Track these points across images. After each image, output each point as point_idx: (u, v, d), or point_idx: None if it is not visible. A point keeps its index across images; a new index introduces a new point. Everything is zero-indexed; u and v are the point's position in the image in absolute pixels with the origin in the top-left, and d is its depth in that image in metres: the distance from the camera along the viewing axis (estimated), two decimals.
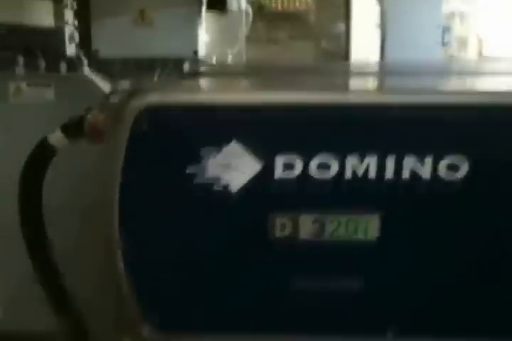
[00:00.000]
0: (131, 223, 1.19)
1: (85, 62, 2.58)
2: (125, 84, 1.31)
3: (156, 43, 2.63)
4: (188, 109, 1.16)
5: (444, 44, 2.87)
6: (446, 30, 2.88)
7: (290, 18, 3.93)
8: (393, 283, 1.21)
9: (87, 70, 2.56)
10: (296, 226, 1.20)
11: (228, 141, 1.17)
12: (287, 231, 1.20)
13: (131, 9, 2.56)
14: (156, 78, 2.66)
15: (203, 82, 1.36)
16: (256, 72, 1.60)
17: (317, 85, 1.35)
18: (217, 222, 1.20)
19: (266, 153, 1.18)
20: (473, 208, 1.18)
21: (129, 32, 2.62)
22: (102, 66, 2.64)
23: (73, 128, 1.30)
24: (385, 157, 1.17)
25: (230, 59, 2.80)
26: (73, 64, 2.56)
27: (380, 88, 1.22)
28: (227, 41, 2.89)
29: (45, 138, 1.31)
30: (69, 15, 2.51)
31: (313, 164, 1.18)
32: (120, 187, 1.17)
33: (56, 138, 1.30)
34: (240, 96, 1.16)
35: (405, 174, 1.18)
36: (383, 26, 2.83)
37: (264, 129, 1.17)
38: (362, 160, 1.18)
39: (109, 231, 1.18)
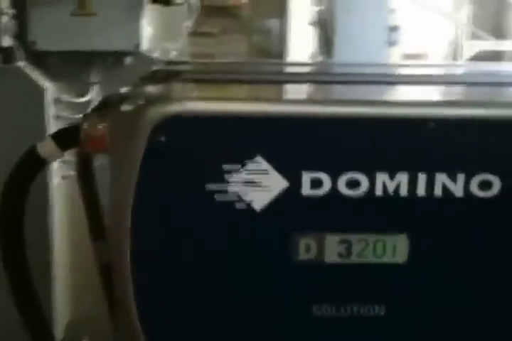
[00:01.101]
0: (144, 245, 1.07)
1: (22, 54, 2.41)
2: (127, 90, 1.18)
3: (97, 35, 2.47)
4: (211, 119, 1.05)
5: (391, 43, 2.83)
6: (393, 29, 2.85)
7: (222, 12, 3.83)
8: (423, 309, 1.14)
9: (23, 63, 2.38)
10: (321, 248, 1.11)
11: (253, 156, 1.07)
12: (312, 253, 1.11)
13: None
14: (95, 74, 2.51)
15: (213, 89, 1.24)
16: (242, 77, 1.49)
17: (341, 97, 1.26)
18: (238, 242, 1.10)
19: (293, 170, 1.08)
20: (506, 226, 1.13)
21: (67, 22, 2.44)
22: (38, 59, 2.47)
23: (66, 138, 1.15)
24: (417, 174, 1.10)
25: (173, 54, 2.67)
26: (8, 56, 2.38)
27: (416, 101, 1.15)
28: (170, 35, 2.76)
29: (34, 146, 1.15)
30: (4, 3, 2.32)
31: (342, 181, 1.09)
32: (134, 203, 1.04)
33: (46, 147, 1.15)
34: (268, 107, 1.06)
35: (437, 192, 1.11)
36: (330, 25, 2.77)
37: (291, 143, 1.08)
38: (393, 178, 1.10)
39: (120, 251, 1.06)
